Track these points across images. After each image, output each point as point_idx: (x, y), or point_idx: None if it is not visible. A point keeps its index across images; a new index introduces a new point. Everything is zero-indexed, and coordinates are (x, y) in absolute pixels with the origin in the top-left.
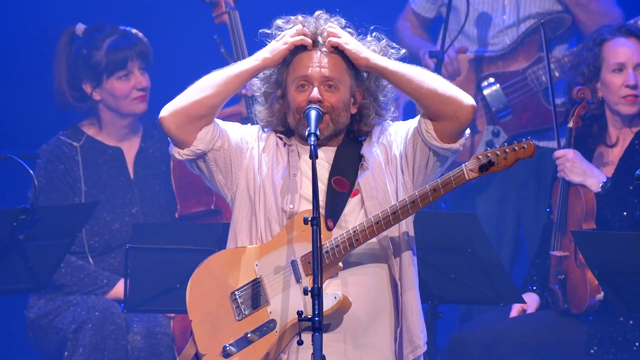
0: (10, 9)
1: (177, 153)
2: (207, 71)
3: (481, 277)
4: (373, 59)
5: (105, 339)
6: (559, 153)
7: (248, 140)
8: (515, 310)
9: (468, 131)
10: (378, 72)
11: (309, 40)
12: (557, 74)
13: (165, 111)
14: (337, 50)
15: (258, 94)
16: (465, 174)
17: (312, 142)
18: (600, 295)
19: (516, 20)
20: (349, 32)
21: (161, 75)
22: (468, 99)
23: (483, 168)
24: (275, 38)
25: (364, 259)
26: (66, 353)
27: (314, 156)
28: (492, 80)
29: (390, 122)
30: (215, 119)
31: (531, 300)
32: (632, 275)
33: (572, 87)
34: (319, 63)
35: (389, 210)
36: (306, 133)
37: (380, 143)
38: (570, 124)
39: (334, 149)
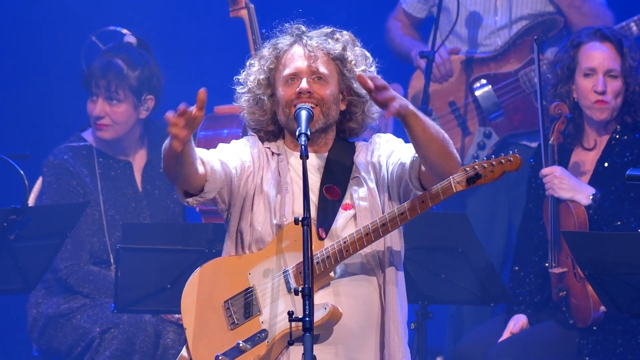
0: (7, 10)
1: (186, 202)
2: (214, 69)
3: (472, 278)
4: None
5: (134, 346)
6: (545, 171)
7: (244, 158)
8: (504, 336)
9: None
10: (409, 120)
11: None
12: (549, 76)
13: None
14: (324, 47)
15: (247, 96)
16: (453, 187)
17: (303, 142)
18: (603, 308)
19: (508, 21)
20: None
21: (173, 73)
22: (457, 163)
23: (470, 180)
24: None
25: (356, 270)
26: (88, 352)
27: (304, 156)
28: (484, 81)
29: (380, 136)
30: (212, 154)
31: (517, 321)
32: (622, 276)
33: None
34: (306, 57)
35: (379, 221)
36: (297, 133)
37: (371, 162)
38: (552, 140)
39: (325, 155)
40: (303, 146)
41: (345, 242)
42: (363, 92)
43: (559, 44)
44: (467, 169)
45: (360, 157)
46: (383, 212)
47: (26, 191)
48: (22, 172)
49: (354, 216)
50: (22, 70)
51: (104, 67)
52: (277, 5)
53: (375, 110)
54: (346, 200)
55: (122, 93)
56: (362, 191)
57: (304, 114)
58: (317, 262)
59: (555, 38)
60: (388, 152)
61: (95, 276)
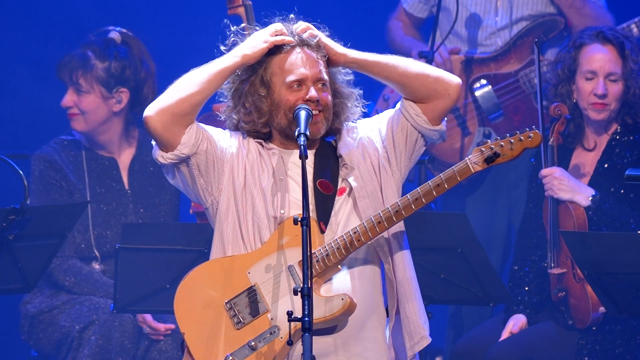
0: (7, 10)
1: (161, 157)
2: None
3: (471, 278)
4: (351, 53)
5: (111, 340)
6: (545, 172)
7: (231, 144)
8: (504, 336)
9: None
10: (359, 66)
11: (290, 38)
12: (549, 76)
13: (151, 110)
14: (317, 50)
15: (237, 97)
16: (471, 167)
17: (302, 143)
18: (602, 308)
19: (508, 22)
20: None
21: (169, 71)
22: (454, 77)
23: (489, 160)
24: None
25: (352, 262)
26: (70, 352)
27: (303, 156)
28: (484, 82)
29: (354, 122)
30: (197, 122)
31: (516, 321)
32: (621, 276)
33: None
34: (310, 63)
35: (391, 209)
36: (296, 133)
37: (358, 143)
38: (551, 141)
39: (313, 151)
40: (302, 146)
41: (355, 232)
42: (346, 92)
43: (559, 45)
44: (483, 149)
45: (342, 147)
46: (379, 190)
47: (25, 191)
48: (21, 172)
49: (353, 200)
50: (21, 70)
51: (70, 58)
52: (273, 2)
53: (357, 111)
54: (340, 187)
55: (86, 83)
56: (354, 172)
57: (303, 114)
58: (327, 255)
59: (555, 39)
60: (367, 127)
61: (78, 270)
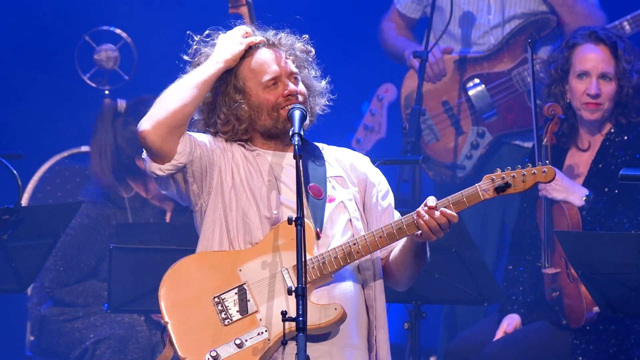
0: (4, 8)
1: (159, 169)
2: None
3: (465, 277)
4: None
5: (126, 357)
6: None
7: (218, 146)
8: (498, 336)
9: None
10: (419, 249)
11: (260, 38)
12: (542, 75)
13: (147, 124)
14: (280, 46)
15: (208, 111)
16: (480, 194)
17: (297, 142)
18: (597, 308)
19: (501, 20)
20: (308, 49)
21: (166, 71)
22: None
23: (499, 189)
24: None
25: (343, 273)
26: None
27: (298, 156)
28: (477, 81)
29: (367, 159)
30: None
31: (510, 321)
32: (615, 275)
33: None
34: (279, 59)
35: (394, 225)
36: (290, 133)
37: (353, 170)
38: (545, 142)
39: (292, 153)
40: (297, 146)
41: (355, 244)
42: (310, 83)
43: (552, 43)
44: (494, 177)
45: (331, 157)
46: (364, 200)
47: (19, 191)
48: (15, 171)
49: (342, 204)
50: (15, 70)
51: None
52: (269, 3)
53: (321, 102)
54: (329, 194)
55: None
56: (341, 180)
57: (297, 114)
58: (324, 263)
59: (548, 37)
60: (380, 188)
61: (86, 287)
